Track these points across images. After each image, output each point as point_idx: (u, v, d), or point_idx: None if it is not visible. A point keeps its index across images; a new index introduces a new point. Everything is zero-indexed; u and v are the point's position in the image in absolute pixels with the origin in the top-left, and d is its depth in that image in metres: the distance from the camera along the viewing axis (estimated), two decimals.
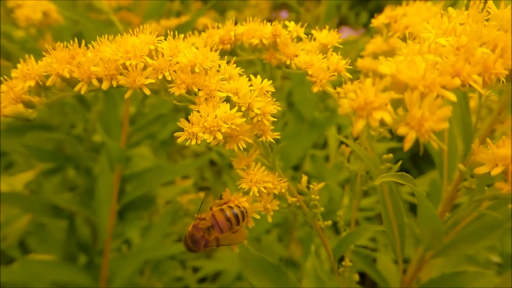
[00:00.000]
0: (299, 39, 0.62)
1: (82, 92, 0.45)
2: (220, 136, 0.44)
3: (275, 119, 0.49)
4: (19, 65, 0.46)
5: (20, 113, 0.47)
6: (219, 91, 0.46)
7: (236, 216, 0.50)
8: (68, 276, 1.31)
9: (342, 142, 1.07)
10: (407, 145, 0.30)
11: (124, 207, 1.41)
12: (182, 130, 0.45)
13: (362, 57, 0.89)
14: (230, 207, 0.50)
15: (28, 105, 0.47)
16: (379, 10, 0.83)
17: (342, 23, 3.12)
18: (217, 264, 1.70)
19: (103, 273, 1.30)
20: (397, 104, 0.32)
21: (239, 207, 0.50)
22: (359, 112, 0.31)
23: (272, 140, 0.53)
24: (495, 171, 0.37)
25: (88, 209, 1.39)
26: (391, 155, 0.62)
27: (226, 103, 0.46)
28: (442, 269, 0.91)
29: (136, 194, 1.42)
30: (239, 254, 0.70)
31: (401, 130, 0.30)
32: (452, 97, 0.31)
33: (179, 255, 1.70)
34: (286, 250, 1.68)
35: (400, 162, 0.64)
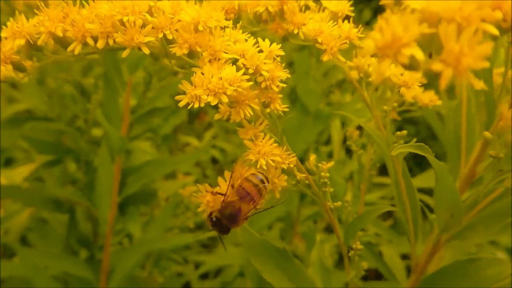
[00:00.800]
0: (307, 8, 0.59)
1: (76, 52, 0.42)
2: (225, 99, 0.41)
3: (284, 85, 0.45)
4: (8, 23, 0.43)
5: (10, 77, 0.44)
6: (225, 52, 0.43)
7: (262, 181, 0.48)
8: (69, 268, 1.28)
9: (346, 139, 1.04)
10: (443, 83, 0.26)
11: (125, 201, 1.39)
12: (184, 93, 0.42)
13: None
14: (254, 174, 0.48)
15: (18, 67, 0.44)
16: (382, 8, 0.80)
17: (344, 19, 3.11)
18: (219, 259, 1.67)
19: (103, 266, 1.27)
20: (426, 44, 0.29)
21: (260, 172, 0.48)
22: (385, 51, 0.28)
23: (280, 112, 0.50)
24: None
25: (89, 201, 1.36)
26: (405, 131, 0.59)
27: (232, 66, 0.43)
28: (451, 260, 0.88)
29: (137, 186, 1.39)
30: (243, 239, 0.66)
31: (436, 67, 0.27)
32: (494, 30, 0.27)
33: (180, 250, 1.67)
34: (288, 245, 1.64)
35: (414, 140, 0.60)
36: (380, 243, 1.64)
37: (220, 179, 0.50)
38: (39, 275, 1.24)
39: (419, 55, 0.28)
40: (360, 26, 0.53)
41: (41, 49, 0.44)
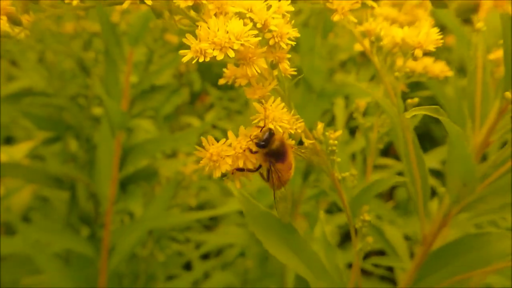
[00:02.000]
0: None
1: (74, 3, 0.40)
2: (232, 54, 0.39)
3: (293, 43, 0.43)
4: None
5: (6, 32, 0.41)
6: (232, 6, 0.41)
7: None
8: (70, 245, 1.27)
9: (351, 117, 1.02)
10: (482, 15, 0.24)
11: (126, 180, 1.37)
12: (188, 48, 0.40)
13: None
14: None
15: (14, 21, 0.41)
16: None
17: None
18: (220, 238, 1.67)
19: (104, 243, 1.26)
20: None
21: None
22: None
23: (288, 74, 0.48)
24: None
25: (89, 178, 1.35)
26: (416, 99, 0.57)
27: (239, 20, 0.41)
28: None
29: (138, 164, 1.38)
30: (246, 210, 0.65)
31: None
32: None
33: (182, 231, 1.67)
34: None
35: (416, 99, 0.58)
36: (382, 225, 1.63)
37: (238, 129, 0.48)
38: (40, 252, 1.24)
39: None
40: None
41: (37, 1, 0.41)
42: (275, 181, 0.48)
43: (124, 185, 1.40)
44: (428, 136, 2.31)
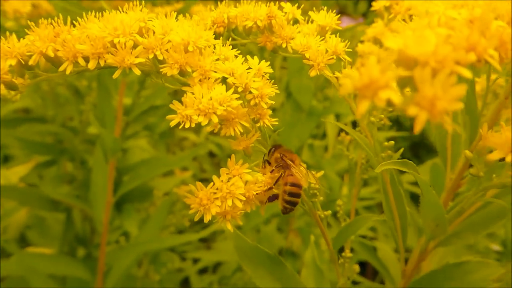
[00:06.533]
0: (296, 22, 0.60)
1: (67, 72, 0.43)
2: (215, 119, 0.42)
3: (273, 102, 0.46)
4: None
5: (3, 95, 0.44)
6: (214, 71, 0.44)
7: None
8: (64, 270, 1.29)
9: (341, 130, 1.05)
10: (418, 127, 0.27)
11: (121, 199, 1.39)
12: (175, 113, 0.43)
13: (362, 42, 0.86)
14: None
15: (10, 86, 0.44)
16: None
17: (341, 12, 3.10)
18: (216, 255, 1.69)
19: (99, 266, 1.28)
20: (403, 83, 0.30)
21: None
22: (363, 92, 0.28)
23: (270, 126, 0.51)
24: (510, 158, 0.34)
25: (84, 202, 1.37)
26: (392, 142, 0.60)
27: (222, 85, 0.44)
28: (443, 258, 0.89)
29: (133, 185, 1.40)
30: (235, 245, 0.68)
31: (411, 111, 0.27)
32: (468, 74, 0.28)
33: (179, 247, 1.68)
34: (285, 240, 1.66)
35: (401, 150, 0.62)
36: (376, 237, 1.66)
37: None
38: (36, 274, 1.25)
39: (396, 98, 0.28)
40: (347, 41, 0.54)
41: (32, 68, 0.44)
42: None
43: (120, 204, 1.42)
44: (423, 144, 2.32)
